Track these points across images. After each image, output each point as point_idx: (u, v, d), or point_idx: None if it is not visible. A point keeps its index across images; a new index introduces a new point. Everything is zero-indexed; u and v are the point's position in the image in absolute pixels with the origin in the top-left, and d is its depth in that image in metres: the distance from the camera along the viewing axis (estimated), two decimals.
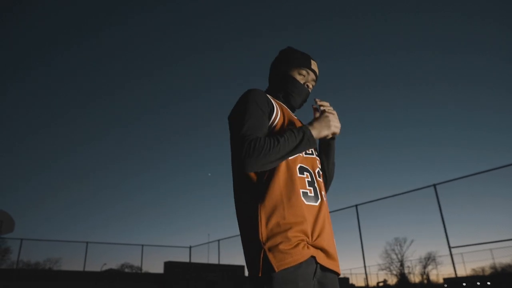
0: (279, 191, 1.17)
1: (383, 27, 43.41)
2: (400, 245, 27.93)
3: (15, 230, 8.10)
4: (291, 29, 47.02)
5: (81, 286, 14.60)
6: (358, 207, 10.47)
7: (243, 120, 1.21)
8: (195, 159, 44.53)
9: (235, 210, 1.27)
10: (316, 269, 1.14)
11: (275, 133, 1.27)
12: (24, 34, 42.14)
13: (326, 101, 1.38)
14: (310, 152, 1.34)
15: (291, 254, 1.07)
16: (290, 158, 1.23)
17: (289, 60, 1.45)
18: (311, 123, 1.27)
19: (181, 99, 48.48)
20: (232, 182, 1.31)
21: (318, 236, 1.18)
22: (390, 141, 41.15)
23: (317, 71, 1.48)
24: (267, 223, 1.12)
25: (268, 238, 1.10)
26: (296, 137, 1.19)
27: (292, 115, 1.42)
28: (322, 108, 1.36)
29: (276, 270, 1.05)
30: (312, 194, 1.24)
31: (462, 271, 23.22)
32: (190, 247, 17.42)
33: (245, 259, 1.17)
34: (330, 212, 1.36)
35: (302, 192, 1.21)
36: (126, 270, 22.06)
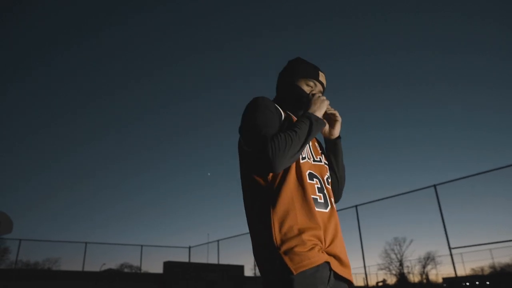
0: (290, 196, 1.17)
1: (383, 27, 43.36)
2: (400, 245, 28.04)
3: (14, 230, 8.07)
4: (291, 29, 46.97)
5: (81, 286, 14.57)
6: (358, 207, 10.47)
7: (258, 122, 1.20)
8: (195, 159, 44.55)
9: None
10: (330, 276, 1.13)
11: None
12: (24, 34, 42.04)
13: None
14: (318, 159, 1.35)
15: (308, 257, 1.07)
16: (299, 163, 1.24)
17: (297, 70, 1.46)
18: (306, 110, 1.31)
19: (181, 99, 48.40)
20: (239, 188, 1.31)
21: (331, 243, 1.18)
22: (390, 141, 41.14)
23: (324, 83, 1.49)
24: (280, 228, 1.11)
25: (282, 242, 1.09)
26: (304, 123, 1.22)
27: None
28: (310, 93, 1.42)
29: (294, 272, 1.03)
30: (322, 201, 1.24)
31: (461, 271, 23.26)
32: (190, 248, 17.41)
33: (259, 266, 1.16)
34: None
35: (313, 198, 1.20)
36: (126, 270, 22.05)
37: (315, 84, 1.45)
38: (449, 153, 38.53)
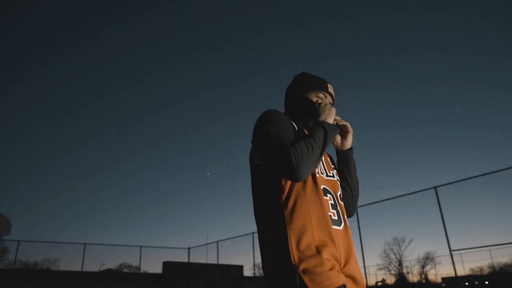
0: (307, 212, 1.13)
1: (383, 27, 43.38)
2: (399, 245, 28.02)
3: (13, 230, 8.03)
4: (291, 29, 47.00)
5: (80, 286, 14.55)
6: (358, 208, 10.44)
7: (274, 133, 1.17)
8: (195, 159, 44.58)
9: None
10: None
11: None
12: (24, 34, 41.96)
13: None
14: (331, 174, 1.31)
15: (328, 277, 1.03)
16: (314, 176, 1.20)
17: (306, 83, 1.45)
18: (316, 119, 1.29)
19: (181, 99, 48.43)
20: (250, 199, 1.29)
21: (347, 263, 1.14)
22: (390, 141, 41.22)
23: (333, 94, 1.47)
24: (298, 245, 1.07)
25: (300, 260, 1.05)
26: (319, 130, 1.19)
27: None
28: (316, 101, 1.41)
29: None
30: (336, 218, 1.20)
31: (460, 271, 23.33)
32: (189, 248, 17.36)
33: (270, 281, 1.11)
34: None
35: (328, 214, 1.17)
36: (125, 270, 22.00)
37: (325, 96, 1.43)
38: (449, 153, 38.65)
